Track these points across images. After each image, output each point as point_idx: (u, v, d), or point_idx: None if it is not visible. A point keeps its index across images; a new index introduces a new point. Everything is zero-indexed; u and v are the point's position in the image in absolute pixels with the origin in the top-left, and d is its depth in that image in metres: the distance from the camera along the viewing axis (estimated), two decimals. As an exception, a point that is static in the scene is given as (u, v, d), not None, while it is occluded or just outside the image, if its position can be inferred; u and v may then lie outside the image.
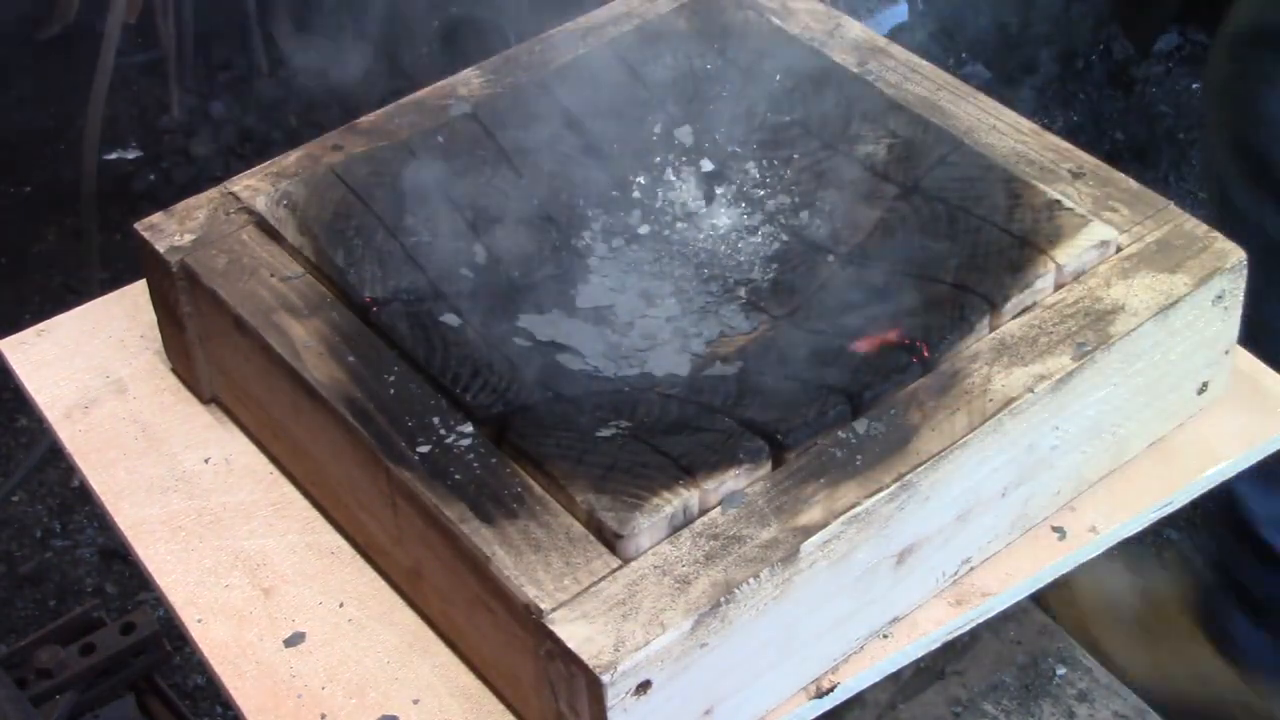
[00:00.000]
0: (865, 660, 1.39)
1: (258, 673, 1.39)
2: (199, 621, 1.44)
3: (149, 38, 3.67)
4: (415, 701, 1.37)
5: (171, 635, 2.04)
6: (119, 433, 1.59)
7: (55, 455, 3.02)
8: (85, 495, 2.96)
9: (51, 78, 3.76)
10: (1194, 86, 3.67)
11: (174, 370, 1.64)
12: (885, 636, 1.39)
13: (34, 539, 2.93)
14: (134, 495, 1.53)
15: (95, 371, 1.65)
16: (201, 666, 2.57)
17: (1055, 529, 1.48)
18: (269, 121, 3.60)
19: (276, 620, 1.43)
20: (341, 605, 1.44)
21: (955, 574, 1.43)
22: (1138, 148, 3.50)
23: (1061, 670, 1.54)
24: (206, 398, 1.61)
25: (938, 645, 1.42)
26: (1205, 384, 1.53)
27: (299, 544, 1.49)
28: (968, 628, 1.43)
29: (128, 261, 3.27)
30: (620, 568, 1.27)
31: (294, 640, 1.41)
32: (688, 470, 1.30)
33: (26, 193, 3.58)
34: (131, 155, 3.55)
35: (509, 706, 1.36)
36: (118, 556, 2.85)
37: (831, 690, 1.38)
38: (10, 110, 3.73)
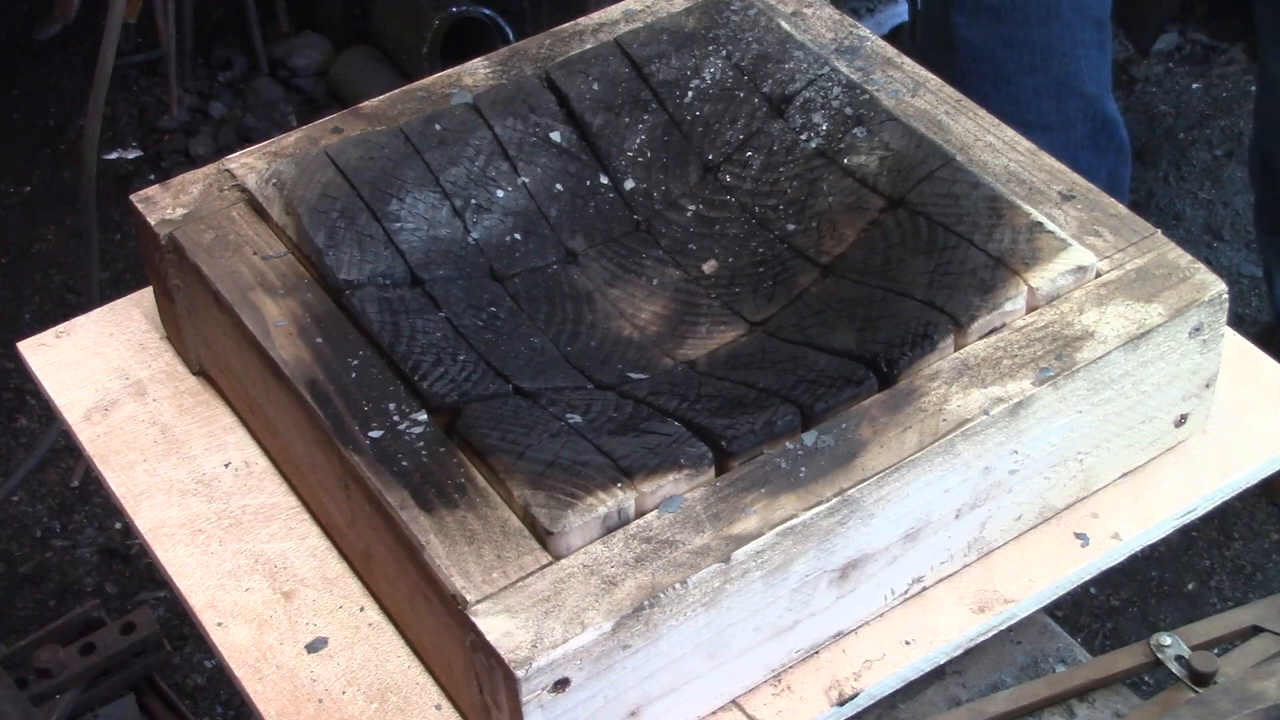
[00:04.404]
0: (888, 667, 1.40)
1: (278, 677, 1.40)
2: (219, 625, 1.44)
3: (149, 38, 3.72)
4: (437, 707, 1.37)
5: (171, 635, 2.06)
6: (139, 435, 1.59)
7: (55, 455, 3.04)
8: (85, 495, 2.99)
9: (51, 78, 3.81)
10: (1194, 86, 3.62)
11: (166, 339, 1.66)
12: (843, 650, 1.40)
13: (34, 539, 2.95)
14: (154, 498, 1.54)
15: (115, 374, 1.65)
16: (201, 666, 2.61)
17: (1078, 535, 1.47)
18: (269, 121, 3.64)
19: (297, 624, 1.43)
20: (362, 609, 1.44)
21: (906, 592, 1.42)
22: (1138, 148, 3.47)
23: (1061, 670, 1.52)
24: (195, 369, 1.63)
25: (960, 652, 1.43)
26: (1184, 416, 1.51)
27: (319, 547, 1.49)
28: (990, 634, 1.44)
29: (128, 261, 3.32)
30: (549, 564, 1.28)
31: (316, 646, 1.41)
32: (626, 472, 1.31)
33: (26, 193, 3.62)
34: (131, 155, 3.60)
35: (446, 695, 1.37)
36: (118, 556, 2.87)
37: (855, 696, 1.38)
38: (10, 110, 3.77)
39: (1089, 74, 2.62)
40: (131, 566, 2.81)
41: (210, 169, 1.63)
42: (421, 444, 1.36)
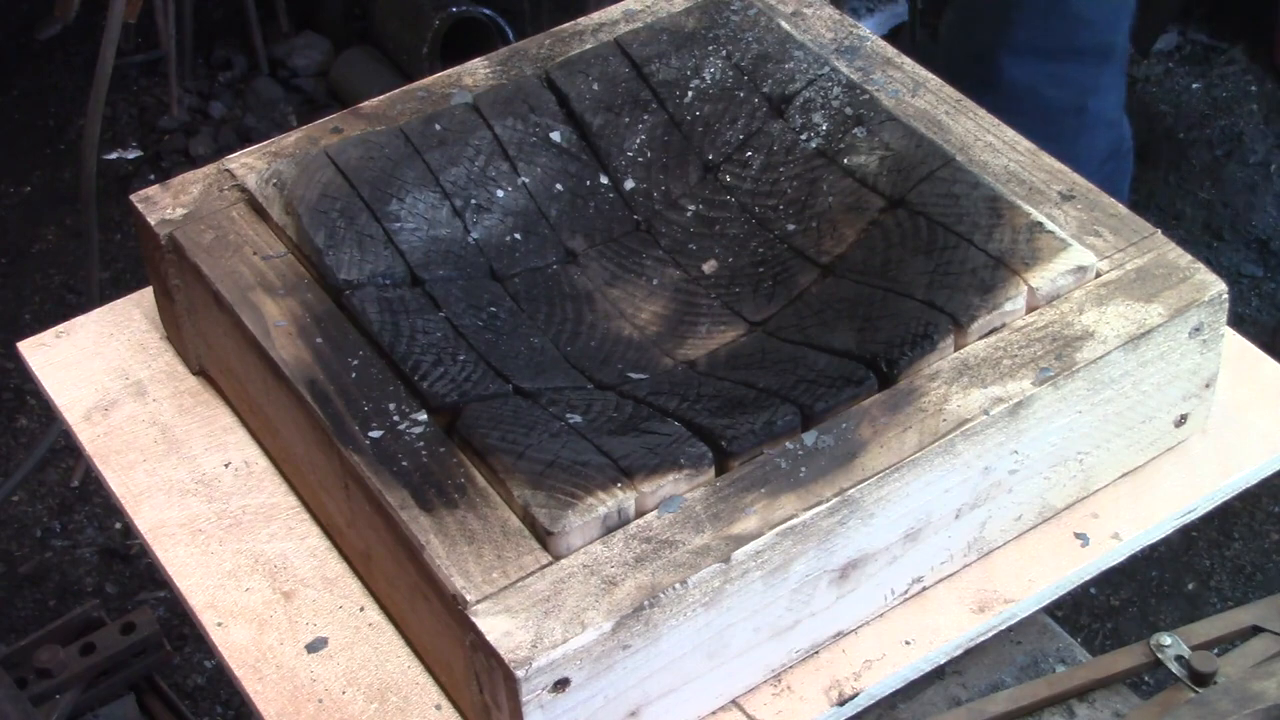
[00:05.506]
0: (888, 667, 1.40)
1: (278, 677, 1.40)
2: (219, 625, 1.44)
3: (149, 38, 3.72)
4: (437, 707, 1.37)
5: (171, 635, 2.06)
6: (138, 435, 1.59)
7: (55, 455, 3.03)
8: (85, 495, 2.98)
9: (51, 78, 3.81)
10: (1194, 86, 3.63)
11: (166, 339, 1.66)
12: (840, 649, 1.40)
13: (34, 539, 2.94)
14: (154, 498, 1.54)
15: (114, 374, 1.65)
16: (201, 666, 2.61)
17: (1078, 535, 1.47)
18: (269, 121, 3.64)
19: (297, 624, 1.43)
20: (362, 609, 1.44)
21: (906, 592, 1.42)
22: (1138, 148, 3.47)
23: (1061, 670, 1.52)
24: (195, 369, 1.63)
25: (960, 652, 1.43)
26: (1184, 416, 1.51)
27: (319, 547, 1.49)
28: (990, 634, 1.44)
29: (128, 261, 3.32)
30: (549, 564, 1.28)
31: (316, 646, 1.41)
32: (626, 472, 1.31)
33: (26, 193, 3.62)
34: (131, 155, 3.59)
35: (446, 695, 1.37)
36: (118, 556, 2.87)
37: (855, 696, 1.38)
38: (10, 110, 3.77)
39: (1115, 101, 2.64)
40: (131, 566, 2.80)
41: (210, 169, 1.63)
42: (421, 444, 1.36)
